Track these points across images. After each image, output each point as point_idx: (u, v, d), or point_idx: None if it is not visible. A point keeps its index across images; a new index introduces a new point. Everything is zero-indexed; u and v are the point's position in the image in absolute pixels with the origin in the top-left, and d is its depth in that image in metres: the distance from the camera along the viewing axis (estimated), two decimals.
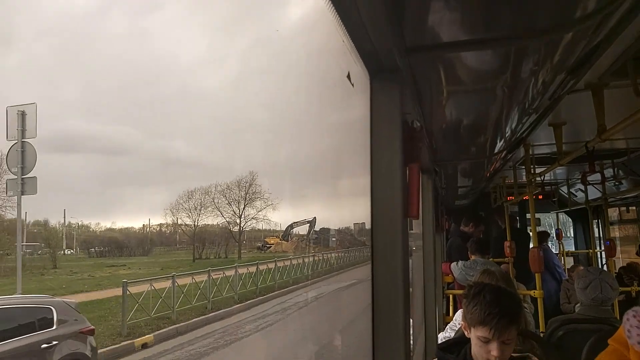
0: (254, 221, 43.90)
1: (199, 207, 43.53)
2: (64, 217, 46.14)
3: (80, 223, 49.49)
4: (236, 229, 43.33)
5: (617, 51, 2.11)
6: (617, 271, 6.71)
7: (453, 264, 5.20)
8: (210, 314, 18.25)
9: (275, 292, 23.20)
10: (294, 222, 45.73)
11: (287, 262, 28.22)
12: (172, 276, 18.60)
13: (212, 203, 43.51)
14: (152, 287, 17.63)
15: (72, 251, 45.24)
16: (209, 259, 39.54)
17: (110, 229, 49.25)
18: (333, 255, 35.13)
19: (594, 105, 2.67)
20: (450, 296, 5.97)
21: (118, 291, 16.99)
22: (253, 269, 24.85)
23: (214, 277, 21.12)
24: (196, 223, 43.59)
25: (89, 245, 44.44)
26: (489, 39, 1.43)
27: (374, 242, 1.40)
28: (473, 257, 5.07)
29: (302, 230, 46.42)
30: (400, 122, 1.41)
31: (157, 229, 49.08)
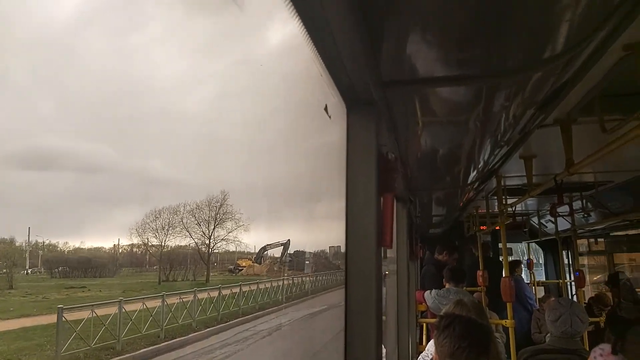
0: (224, 243, 42.65)
1: (166, 227, 42.17)
2: (28, 235, 44.54)
3: (46, 242, 47.85)
4: (205, 250, 42.10)
5: (584, 89, 2.19)
6: (586, 301, 6.82)
7: (427, 293, 5.20)
8: (163, 344, 17.10)
9: (239, 319, 22.22)
10: (267, 245, 44.92)
11: (256, 287, 27.34)
12: (119, 301, 17.27)
13: (181, 223, 42.20)
14: (94, 314, 16.33)
15: (37, 270, 43.59)
16: (176, 281, 38.26)
17: (78, 249, 47.67)
18: (306, 279, 34.41)
19: (563, 139, 2.75)
20: (424, 325, 5.96)
21: (71, 316, 15.90)
22: (218, 292, 23.98)
23: (169, 302, 20.06)
24: (163, 243, 42.26)
25: (54, 265, 42.57)
26: (463, 77, 1.49)
27: (348, 268, 1.41)
28: (447, 286, 5.09)
29: (277, 252, 45.68)
30: (376, 153, 1.44)
31: (128, 249, 47.51)
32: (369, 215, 1.41)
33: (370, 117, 1.44)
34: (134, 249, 46.76)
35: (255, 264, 44.39)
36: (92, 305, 16.90)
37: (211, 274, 41.08)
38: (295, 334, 20.85)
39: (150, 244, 43.23)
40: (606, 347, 2.74)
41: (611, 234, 8.04)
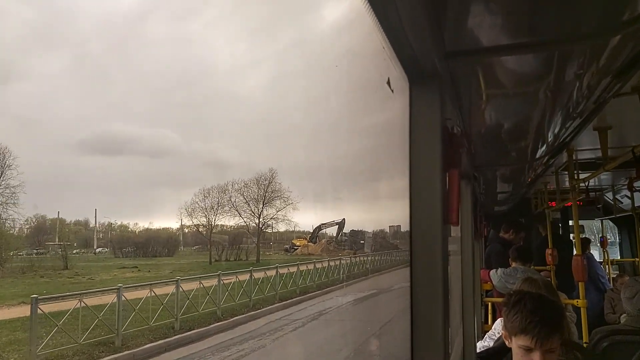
0: (274, 221, 42.37)
1: (215, 207, 42.07)
2: (95, 216, 46.73)
3: (117, 223, 50.22)
4: (264, 228, 41.93)
5: None
6: None
7: (492, 272, 5.09)
8: (173, 338, 14.90)
9: (276, 305, 20.56)
10: (322, 224, 44.72)
11: (312, 266, 26.65)
12: (118, 289, 14.81)
13: (229, 202, 41.68)
14: (82, 304, 13.90)
15: (105, 250, 45.66)
16: (229, 261, 38.39)
17: (148, 229, 49.64)
18: (363, 258, 33.94)
19: None
20: (489, 304, 5.85)
21: (103, 299, 14.78)
22: (264, 274, 22.54)
23: (207, 284, 18.73)
24: (213, 223, 42.13)
25: (118, 245, 44.60)
26: (532, 43, 1.41)
27: (412, 247, 1.39)
28: (514, 265, 4.96)
29: (333, 232, 45.38)
30: (440, 127, 1.40)
31: (194, 229, 48.48)
32: (434, 192, 1.38)
33: (433, 89, 1.40)
34: (199, 229, 47.30)
35: (310, 244, 44.36)
36: (80, 294, 15.11)
37: (267, 253, 41.11)
38: (355, 314, 20.27)
39: (200, 223, 43.31)
40: None
41: None
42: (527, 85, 1.89)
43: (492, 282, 5.12)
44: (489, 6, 1.21)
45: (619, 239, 9.81)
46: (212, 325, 16.76)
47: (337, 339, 15.00)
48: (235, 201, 42.20)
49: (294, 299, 22.07)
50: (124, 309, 14.43)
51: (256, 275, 21.78)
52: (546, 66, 1.65)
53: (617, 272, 8.74)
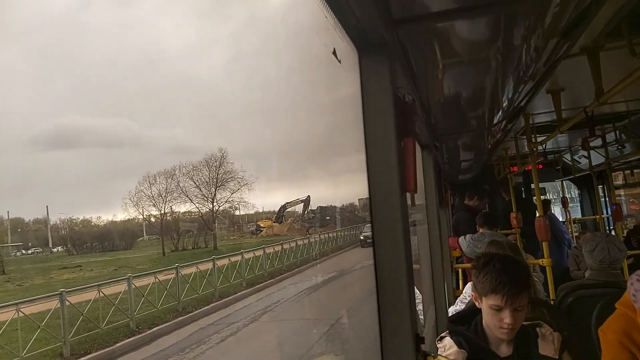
0: (240, 205, 39.12)
1: (164, 194, 38.02)
2: (47, 213, 43.94)
3: (77, 218, 47.67)
4: (219, 213, 38.47)
5: (610, 12, 2.09)
6: (625, 235, 6.70)
7: (461, 238, 5.19)
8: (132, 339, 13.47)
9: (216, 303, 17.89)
10: (287, 203, 42.63)
11: (279, 247, 24.58)
12: (60, 293, 13.00)
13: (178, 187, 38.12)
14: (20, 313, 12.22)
15: (61, 248, 42.64)
16: (186, 250, 34.78)
17: (111, 222, 46.80)
18: (332, 235, 32.86)
19: (590, 68, 2.65)
20: (460, 270, 5.97)
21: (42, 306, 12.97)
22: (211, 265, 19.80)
23: (162, 279, 16.59)
24: (163, 211, 38.29)
25: (80, 241, 41.62)
26: (478, 5, 1.41)
27: (373, 216, 1.40)
28: (481, 230, 5.07)
29: (299, 210, 44.09)
30: (392, 96, 1.40)
31: (158, 218, 45.24)
32: (390, 161, 1.38)
33: (382, 59, 1.40)
34: (150, 219, 42.09)
35: (275, 224, 43.08)
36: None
37: (231, 237, 38.67)
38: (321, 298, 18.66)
39: (148, 213, 39.35)
40: None
41: None
42: (479, 51, 1.91)
43: (461, 249, 5.23)
44: None
45: (579, 198, 10.12)
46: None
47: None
48: (184, 186, 38.31)
49: (237, 294, 19.57)
50: (70, 314, 13.15)
51: (203, 267, 19.70)
52: (494, 30, 1.66)
53: (580, 229, 9.05)
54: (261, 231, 41.95)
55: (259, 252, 23.64)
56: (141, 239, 42.58)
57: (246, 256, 22.04)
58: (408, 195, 1.62)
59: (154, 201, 38.52)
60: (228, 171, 38.15)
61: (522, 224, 6.52)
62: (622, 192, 9.37)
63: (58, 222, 44.26)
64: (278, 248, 25.11)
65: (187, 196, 38.24)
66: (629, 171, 8.71)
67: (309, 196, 41.53)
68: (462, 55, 1.92)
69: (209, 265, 19.74)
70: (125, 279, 15.93)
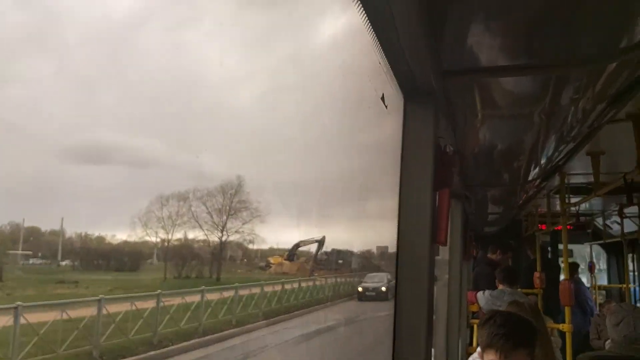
0: (238, 235, 36.20)
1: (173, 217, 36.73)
2: (61, 225, 42.94)
3: (93, 234, 47.13)
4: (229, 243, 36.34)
5: None
6: None
7: (479, 293, 5.05)
8: None
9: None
10: (301, 241, 40.45)
11: (280, 287, 22.02)
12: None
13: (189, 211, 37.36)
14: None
15: (68, 262, 41.61)
16: (189, 279, 31.90)
17: (125, 242, 45.66)
18: (344, 279, 30.34)
19: (635, 135, 2.60)
20: (475, 326, 5.82)
21: None
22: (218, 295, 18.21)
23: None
24: (171, 236, 35.60)
25: (88, 257, 40.95)
26: (529, 66, 1.40)
27: (399, 267, 1.37)
28: (500, 287, 4.93)
29: (313, 250, 41.87)
30: (433, 145, 1.38)
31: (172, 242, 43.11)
32: (423, 211, 1.36)
33: (428, 107, 1.39)
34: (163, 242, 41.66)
35: (285, 262, 41.10)
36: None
37: (239, 270, 36.98)
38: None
39: (156, 235, 36.05)
40: None
41: None
42: (522, 107, 1.89)
43: (478, 304, 5.09)
44: (488, 27, 1.21)
45: (607, 265, 9.84)
46: None
47: None
48: (195, 211, 35.59)
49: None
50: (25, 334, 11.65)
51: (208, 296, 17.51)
52: (542, 89, 1.64)
53: (605, 297, 8.76)
54: (270, 267, 40.07)
55: (258, 290, 20.96)
56: (150, 261, 41.56)
57: (242, 292, 19.42)
58: None
59: (163, 223, 36.15)
60: (242, 200, 35.14)
61: (544, 284, 6.35)
62: None
63: (74, 235, 43.75)
64: (279, 287, 22.44)
65: (197, 221, 35.07)
66: None
67: (324, 236, 38.29)
68: (505, 109, 1.90)
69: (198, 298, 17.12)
70: (97, 300, 14.01)
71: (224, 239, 35.22)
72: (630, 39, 1.28)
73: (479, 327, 2.22)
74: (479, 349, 2.27)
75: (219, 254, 35.32)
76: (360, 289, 27.41)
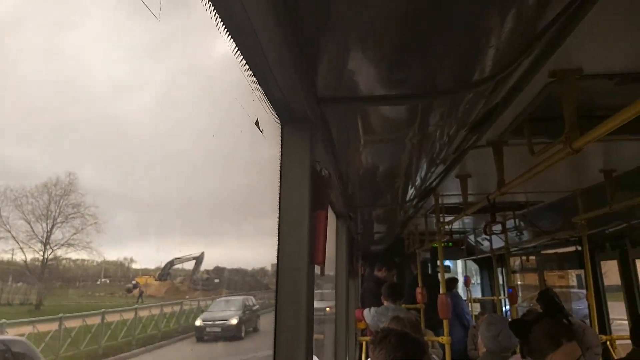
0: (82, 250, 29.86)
1: None
2: None
3: None
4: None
5: (514, 112, 2.29)
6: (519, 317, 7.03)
7: (366, 310, 5.20)
8: None
9: None
10: (176, 258, 35.55)
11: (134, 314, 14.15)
12: None
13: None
14: None
15: None
16: (11, 305, 23.96)
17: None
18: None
19: (495, 160, 2.85)
20: (363, 343, 5.96)
21: None
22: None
23: None
24: None
25: None
26: (399, 96, 1.51)
27: (279, 285, 1.38)
28: (386, 303, 5.11)
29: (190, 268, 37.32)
30: (309, 169, 1.43)
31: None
32: (301, 232, 1.39)
33: (304, 133, 1.43)
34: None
35: (153, 282, 34.86)
36: None
37: (99, 294, 30.98)
38: None
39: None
40: (518, 356, 2.83)
41: (542, 252, 8.42)
42: (397, 132, 2.01)
43: (365, 321, 5.22)
44: (358, 57, 1.28)
45: (480, 279, 10.60)
46: None
47: None
48: (8, 217, 26.65)
49: None
50: None
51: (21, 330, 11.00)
52: (411, 116, 1.77)
53: (480, 309, 9.43)
54: (136, 289, 32.57)
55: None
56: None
57: (73, 324, 12.18)
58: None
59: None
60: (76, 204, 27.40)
61: (426, 299, 6.67)
62: (518, 277, 9.95)
63: None
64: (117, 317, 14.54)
65: (9, 231, 27.66)
66: (525, 257, 9.32)
67: (202, 253, 32.86)
68: (380, 134, 2.01)
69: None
70: None
71: (47, 253, 28.16)
72: (481, 72, 1.42)
73: (373, 346, 2.27)
74: None
75: (41, 272, 28.48)
76: (198, 322, 17.02)
